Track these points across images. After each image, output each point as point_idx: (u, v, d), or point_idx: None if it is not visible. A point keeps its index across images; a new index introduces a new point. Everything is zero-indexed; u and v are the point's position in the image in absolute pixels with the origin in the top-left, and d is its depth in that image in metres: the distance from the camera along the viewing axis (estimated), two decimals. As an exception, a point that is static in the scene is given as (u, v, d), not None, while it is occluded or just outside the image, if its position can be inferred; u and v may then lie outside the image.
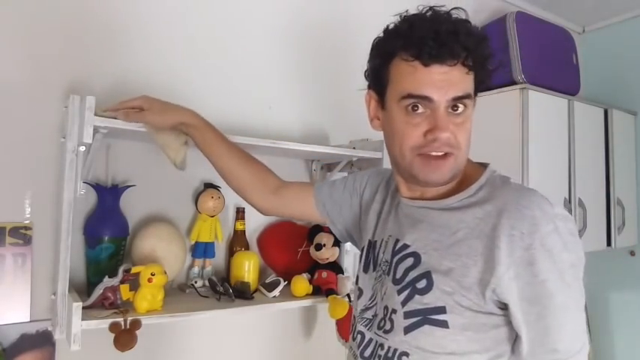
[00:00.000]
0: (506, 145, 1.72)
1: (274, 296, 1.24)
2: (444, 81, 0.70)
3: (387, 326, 0.77)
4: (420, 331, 0.72)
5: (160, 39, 1.30)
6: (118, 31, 1.24)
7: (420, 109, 0.71)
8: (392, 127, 0.76)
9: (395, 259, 0.79)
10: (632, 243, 2.15)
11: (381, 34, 0.78)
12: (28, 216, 1.11)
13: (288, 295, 1.27)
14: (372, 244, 0.90)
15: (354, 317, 0.89)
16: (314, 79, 1.60)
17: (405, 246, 0.79)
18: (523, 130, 1.70)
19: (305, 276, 1.29)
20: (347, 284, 1.31)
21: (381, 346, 0.78)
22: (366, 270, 0.90)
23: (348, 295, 1.31)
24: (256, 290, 1.27)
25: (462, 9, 0.75)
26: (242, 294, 1.20)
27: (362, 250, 0.93)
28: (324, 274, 1.32)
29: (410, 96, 0.71)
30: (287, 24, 1.55)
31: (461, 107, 0.72)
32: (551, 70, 1.91)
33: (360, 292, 0.89)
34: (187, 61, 1.34)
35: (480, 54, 0.73)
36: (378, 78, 0.79)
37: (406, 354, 0.74)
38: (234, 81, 1.43)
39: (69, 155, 1.01)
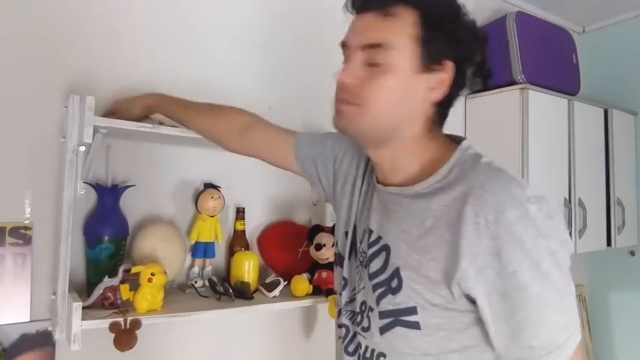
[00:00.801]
0: (506, 145, 1.72)
1: (274, 296, 1.24)
2: (358, 27, 0.70)
3: (365, 323, 0.74)
4: (393, 332, 0.69)
5: (160, 39, 1.30)
6: (118, 31, 1.24)
7: (345, 57, 0.73)
8: None
9: (370, 252, 0.75)
10: (632, 243, 2.15)
11: None
12: (28, 216, 1.11)
13: (288, 295, 1.27)
14: (353, 231, 0.85)
15: (340, 308, 0.85)
16: (314, 79, 1.59)
17: (379, 238, 0.74)
18: (523, 130, 1.70)
19: (305, 276, 1.29)
20: (347, 284, 1.31)
21: (360, 345, 0.76)
22: (349, 256, 0.84)
23: (348, 295, 1.31)
24: (256, 290, 1.27)
25: None
26: (242, 294, 1.20)
27: (347, 233, 0.86)
28: (324, 274, 1.32)
29: (341, 46, 0.74)
30: (288, 24, 1.54)
31: (379, 60, 0.67)
32: (551, 70, 1.91)
33: (345, 282, 0.84)
34: (187, 60, 1.34)
35: (422, 4, 0.68)
36: None
37: (383, 355, 0.71)
38: (234, 81, 1.43)
39: (69, 155, 1.01)
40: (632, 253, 2.22)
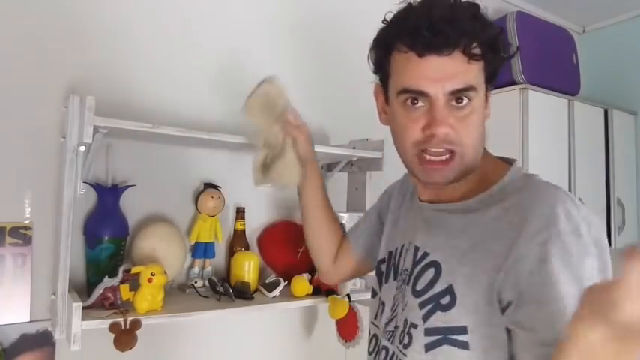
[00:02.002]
0: (506, 145, 1.72)
1: (274, 296, 1.24)
2: (440, 73, 0.64)
3: (406, 340, 0.71)
4: (439, 350, 0.67)
5: (160, 39, 1.30)
6: (118, 31, 1.24)
7: (420, 103, 0.67)
8: (394, 122, 0.72)
9: (416, 270, 0.74)
10: (632, 243, 2.15)
11: (382, 24, 0.73)
12: (28, 216, 1.11)
13: (288, 295, 1.27)
14: (391, 254, 0.86)
15: (377, 333, 0.83)
16: (314, 79, 1.60)
17: (425, 254, 0.73)
18: (523, 130, 1.70)
19: (305, 276, 1.29)
20: (347, 284, 1.31)
21: None
22: (387, 280, 0.85)
23: (348, 295, 1.30)
24: (256, 290, 1.27)
25: None
26: (242, 294, 1.20)
27: (379, 263, 0.88)
28: (324, 274, 1.32)
29: (406, 91, 0.67)
30: (287, 24, 1.55)
31: (464, 100, 0.66)
32: (551, 70, 1.91)
33: (383, 305, 0.83)
34: (188, 61, 1.34)
35: (487, 40, 0.66)
36: (380, 70, 0.75)
37: None
38: (234, 81, 1.42)
39: (69, 155, 1.01)
40: (632, 253, 2.22)
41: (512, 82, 1.77)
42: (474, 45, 0.65)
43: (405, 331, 0.72)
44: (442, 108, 0.65)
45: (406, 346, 0.71)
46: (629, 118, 2.20)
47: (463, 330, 0.65)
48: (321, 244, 1.07)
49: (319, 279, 1.19)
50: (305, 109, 1.60)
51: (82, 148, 1.01)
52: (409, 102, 0.68)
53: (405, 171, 0.78)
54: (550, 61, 1.92)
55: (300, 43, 1.57)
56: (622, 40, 2.34)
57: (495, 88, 1.85)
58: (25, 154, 1.11)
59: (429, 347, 0.68)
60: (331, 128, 1.61)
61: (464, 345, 0.65)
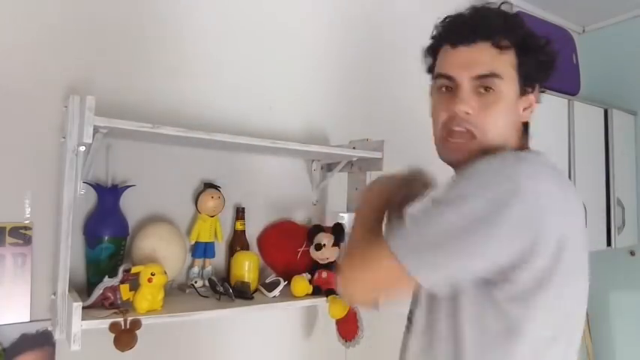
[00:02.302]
0: (506, 145, 1.72)
1: (274, 296, 1.24)
2: (466, 60, 0.72)
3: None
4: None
5: (160, 39, 1.30)
6: (118, 31, 1.24)
7: (449, 88, 0.75)
8: (432, 108, 0.80)
9: None
10: (632, 243, 2.15)
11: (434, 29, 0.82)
12: (28, 216, 1.11)
13: (288, 295, 1.27)
14: None
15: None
16: (314, 79, 1.60)
17: None
18: (523, 130, 1.70)
19: (305, 276, 1.29)
20: (347, 284, 1.31)
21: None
22: None
23: (348, 295, 1.30)
24: (256, 290, 1.27)
25: (509, 3, 0.78)
26: (242, 294, 1.20)
27: None
28: (324, 274, 1.32)
29: (439, 76, 0.76)
30: (287, 24, 1.54)
31: (491, 89, 0.72)
32: (551, 70, 1.91)
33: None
34: (188, 61, 1.34)
35: (516, 37, 0.73)
36: (431, 69, 0.83)
37: (411, 312, 0.80)
38: (234, 81, 1.43)
39: (69, 155, 1.01)
40: (632, 253, 2.22)
41: (512, 82, 1.77)
42: (503, 39, 0.72)
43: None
44: (466, 91, 0.73)
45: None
46: (629, 118, 2.20)
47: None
48: None
49: None
50: (305, 108, 1.61)
51: (82, 148, 1.01)
52: (443, 89, 0.76)
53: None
54: (550, 61, 1.92)
55: (300, 43, 1.57)
56: (622, 40, 2.34)
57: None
58: (25, 154, 1.11)
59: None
60: (331, 128, 1.61)
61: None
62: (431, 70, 0.83)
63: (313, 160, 1.56)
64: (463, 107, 0.72)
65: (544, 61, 0.77)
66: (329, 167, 1.56)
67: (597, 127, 2.03)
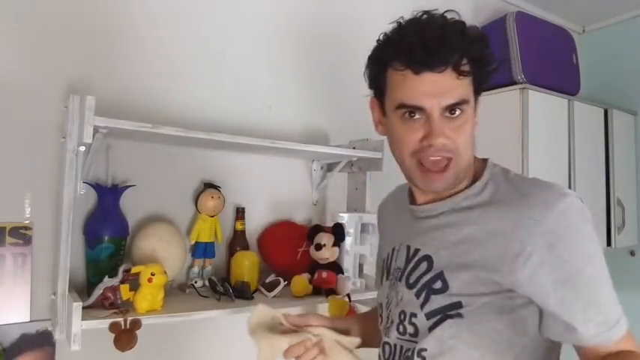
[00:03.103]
0: (506, 145, 1.72)
1: (274, 296, 1.24)
2: (435, 89, 0.69)
3: (411, 330, 0.76)
4: (441, 327, 0.72)
5: (160, 39, 1.30)
6: (118, 31, 1.24)
7: (417, 116, 0.72)
8: (392, 133, 0.77)
9: (409, 266, 0.79)
10: (632, 243, 2.15)
11: (375, 44, 0.78)
12: (28, 216, 1.11)
13: (288, 295, 1.27)
14: (384, 260, 0.90)
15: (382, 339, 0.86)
16: (314, 79, 1.60)
17: (417, 251, 0.79)
18: (523, 130, 1.70)
19: (305, 276, 1.29)
20: (347, 284, 1.31)
21: (408, 349, 0.77)
22: (381, 282, 0.90)
23: (348, 295, 1.30)
24: (256, 290, 1.27)
25: (455, 11, 0.73)
26: (242, 294, 1.20)
27: (380, 269, 0.93)
28: (324, 274, 1.32)
29: (403, 105, 0.72)
30: (287, 24, 1.55)
31: (457, 112, 0.71)
32: (551, 70, 1.91)
33: (380, 306, 0.88)
34: (187, 61, 1.34)
35: (475, 55, 0.71)
36: (377, 86, 0.79)
37: (424, 349, 0.74)
38: (234, 81, 1.43)
39: (69, 155, 1.01)
40: (632, 253, 2.22)
41: (512, 82, 1.77)
42: (464, 61, 0.70)
43: (406, 322, 0.77)
44: (438, 120, 0.71)
45: (413, 335, 0.76)
46: (629, 118, 2.20)
47: (458, 305, 0.71)
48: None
49: None
50: (305, 108, 1.61)
51: (82, 148, 1.01)
52: (407, 115, 0.73)
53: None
54: (550, 61, 1.92)
55: (301, 42, 1.57)
56: (622, 40, 2.34)
57: (495, 88, 1.86)
58: (25, 154, 1.11)
59: (431, 328, 0.73)
60: (331, 128, 1.61)
61: (460, 315, 0.71)
62: (377, 85, 0.79)
63: (313, 160, 1.56)
64: (441, 140, 0.70)
65: (492, 70, 0.75)
66: (329, 167, 1.56)
67: (597, 127, 2.03)
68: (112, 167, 1.21)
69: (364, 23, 1.67)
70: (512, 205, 0.70)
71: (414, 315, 0.75)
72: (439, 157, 0.72)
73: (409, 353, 0.76)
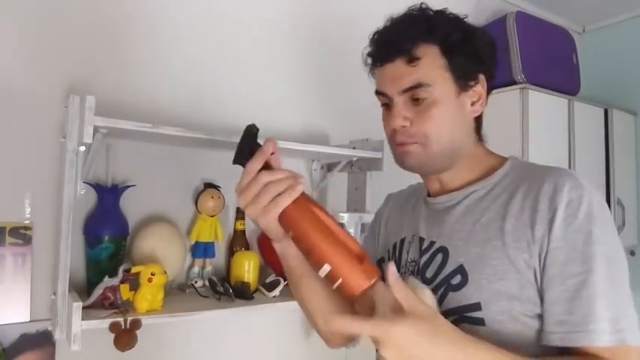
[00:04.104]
0: (507, 145, 1.71)
1: (274, 296, 1.24)
2: (391, 75, 0.75)
3: None
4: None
5: (160, 39, 1.30)
6: (118, 31, 1.24)
7: (388, 104, 0.77)
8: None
9: (423, 259, 0.77)
10: (632, 243, 2.15)
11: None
12: (28, 216, 1.11)
13: (288, 295, 1.27)
14: (389, 250, 0.88)
15: None
16: (314, 79, 1.60)
17: (432, 243, 0.77)
18: (523, 130, 1.70)
19: (305, 276, 1.29)
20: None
21: None
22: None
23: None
24: (256, 290, 1.27)
25: (424, 3, 0.78)
26: (242, 294, 1.20)
27: (378, 263, 0.90)
28: (324, 274, 1.32)
29: (377, 93, 0.79)
30: (287, 24, 1.54)
31: (421, 97, 0.73)
32: (551, 70, 1.91)
33: None
34: (188, 61, 1.34)
35: (439, 37, 0.73)
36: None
37: None
38: (234, 81, 1.43)
39: (69, 155, 1.01)
40: (632, 253, 2.22)
41: (512, 82, 1.77)
42: (417, 49, 0.73)
43: None
44: (399, 105, 0.75)
45: None
46: (629, 118, 2.20)
47: (477, 307, 0.68)
48: (324, 299, 0.89)
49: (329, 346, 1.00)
50: (305, 108, 1.61)
51: (82, 148, 1.01)
52: (383, 105, 0.79)
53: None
54: (550, 61, 1.92)
55: (300, 42, 1.57)
56: (622, 40, 2.34)
57: (495, 88, 1.86)
58: (25, 154, 1.11)
59: None
60: (331, 128, 1.61)
61: (479, 322, 0.67)
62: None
63: (313, 160, 1.56)
64: (398, 122, 0.74)
65: (473, 52, 0.75)
66: (329, 167, 1.56)
67: (597, 127, 2.03)
68: (112, 167, 1.21)
69: (364, 23, 1.66)
70: (531, 190, 0.70)
71: None
72: (406, 141, 0.74)
73: None
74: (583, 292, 0.63)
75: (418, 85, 0.73)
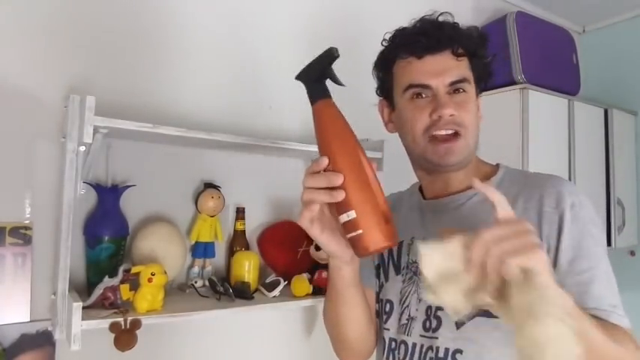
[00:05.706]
0: (507, 145, 1.72)
1: (274, 296, 1.24)
2: (438, 68, 0.77)
3: (434, 324, 0.76)
4: (470, 323, 0.71)
5: (160, 39, 1.30)
6: (118, 31, 1.24)
7: (424, 95, 0.78)
8: (402, 118, 0.81)
9: None
10: (632, 243, 2.15)
11: (381, 47, 0.85)
12: (28, 216, 1.11)
13: (288, 295, 1.27)
14: (386, 255, 0.89)
15: (385, 335, 0.84)
16: (314, 79, 1.59)
17: None
18: (523, 130, 1.70)
19: (305, 276, 1.29)
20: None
21: (430, 348, 0.75)
22: (387, 279, 0.88)
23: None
24: (256, 290, 1.27)
25: (449, 13, 0.81)
26: (242, 294, 1.20)
27: (376, 269, 0.91)
28: (324, 274, 1.32)
29: (411, 86, 0.78)
30: (286, 24, 1.54)
31: (461, 90, 0.77)
32: (551, 70, 1.91)
33: (390, 303, 0.85)
34: (188, 60, 1.34)
35: (470, 45, 0.79)
36: (384, 85, 0.86)
37: (460, 351, 0.72)
38: (234, 81, 1.43)
39: (69, 155, 1.01)
40: (632, 253, 2.22)
41: (512, 82, 1.77)
42: (458, 47, 0.78)
43: (430, 317, 0.77)
44: (446, 96, 0.76)
45: (435, 330, 0.76)
46: (629, 118, 2.20)
47: None
48: (363, 327, 0.87)
49: None
50: (305, 108, 1.60)
51: (82, 148, 1.01)
52: (415, 96, 0.78)
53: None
54: (550, 61, 1.92)
55: (300, 43, 1.57)
56: (622, 40, 2.34)
57: (495, 88, 1.86)
58: (25, 154, 1.11)
59: (459, 324, 0.73)
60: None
61: (491, 314, 0.67)
62: (384, 84, 0.86)
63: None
64: (448, 110, 0.75)
65: (488, 63, 0.82)
66: (329, 167, 1.56)
67: (597, 127, 2.03)
68: (112, 167, 1.21)
69: (364, 23, 1.66)
70: (531, 195, 0.74)
71: (440, 309, 0.75)
72: (450, 130, 0.76)
73: (441, 355, 0.73)
74: (591, 287, 0.69)
75: (463, 80, 0.77)
